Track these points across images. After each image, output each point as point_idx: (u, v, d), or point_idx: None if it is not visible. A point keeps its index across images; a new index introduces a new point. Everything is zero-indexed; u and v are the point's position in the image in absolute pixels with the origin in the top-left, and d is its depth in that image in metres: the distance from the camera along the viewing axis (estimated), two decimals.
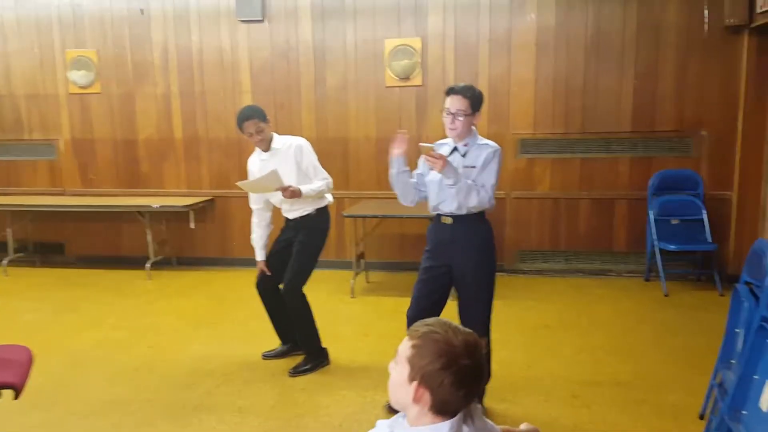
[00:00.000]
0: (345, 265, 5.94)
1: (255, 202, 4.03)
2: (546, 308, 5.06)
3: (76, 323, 4.92)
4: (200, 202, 6.38)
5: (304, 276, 3.91)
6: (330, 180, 3.92)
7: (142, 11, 6.39)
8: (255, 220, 4.06)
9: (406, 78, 6.03)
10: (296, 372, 3.88)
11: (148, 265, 6.28)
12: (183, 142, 6.54)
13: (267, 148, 3.89)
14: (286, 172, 3.80)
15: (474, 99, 3.10)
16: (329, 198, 4.07)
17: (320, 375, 3.89)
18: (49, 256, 6.97)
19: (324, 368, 3.97)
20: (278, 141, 3.90)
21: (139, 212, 6.35)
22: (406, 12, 5.96)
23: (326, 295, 5.50)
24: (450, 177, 3.01)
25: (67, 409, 3.47)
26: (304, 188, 3.75)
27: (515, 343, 4.33)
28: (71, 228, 6.88)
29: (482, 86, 5.84)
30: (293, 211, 3.94)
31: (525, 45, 5.82)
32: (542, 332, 4.53)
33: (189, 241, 6.68)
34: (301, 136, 6.28)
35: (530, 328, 4.61)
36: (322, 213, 3.99)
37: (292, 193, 3.68)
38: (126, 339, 4.54)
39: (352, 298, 5.44)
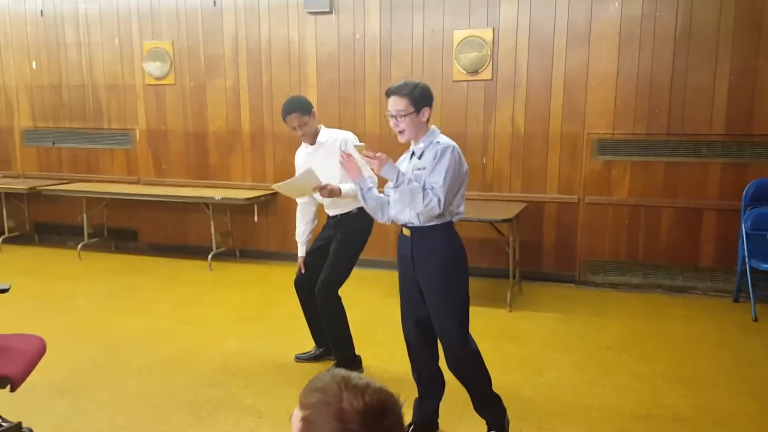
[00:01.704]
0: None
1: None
2: (611, 326, 4.59)
3: (126, 310, 4.98)
4: (262, 196, 6.34)
5: (339, 277, 3.72)
6: (375, 179, 3.70)
7: (214, 2, 6.43)
8: (299, 215, 3.92)
9: (475, 72, 5.70)
10: None
11: (210, 256, 6.33)
12: (250, 135, 6.53)
13: (312, 141, 3.72)
14: (330, 167, 3.62)
15: (414, 96, 2.80)
16: None
17: None
18: (122, 242, 7.19)
19: None
20: (324, 134, 3.72)
21: (205, 203, 6.41)
22: (478, 2, 5.63)
23: (375, 295, 5.30)
24: (392, 178, 2.74)
25: (92, 399, 3.46)
26: (345, 187, 3.55)
27: (567, 363, 3.93)
28: (144, 215, 7.07)
29: (556, 81, 5.49)
30: (334, 208, 3.76)
31: (606, 37, 5.33)
32: (601, 353, 4.09)
33: (252, 233, 6.67)
34: (365, 131, 6.25)
35: (588, 348, 4.18)
36: (363, 212, 3.70)
37: (330, 192, 3.50)
38: (168, 329, 4.54)
39: None
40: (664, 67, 5.21)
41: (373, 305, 5.09)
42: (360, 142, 3.74)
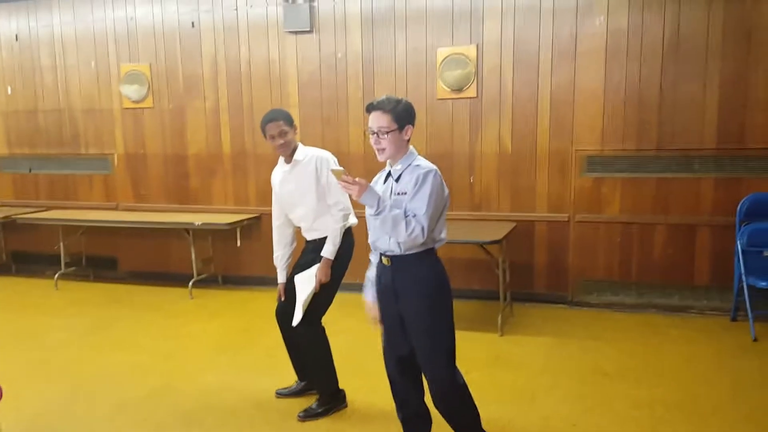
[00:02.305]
0: None
1: (276, 217, 3.71)
2: (607, 350, 4.41)
3: (102, 344, 4.76)
4: (245, 220, 6.16)
5: (320, 306, 3.54)
6: (346, 211, 3.52)
7: (192, 24, 6.28)
8: (276, 238, 3.74)
9: (459, 89, 5.57)
10: (306, 416, 3.49)
11: (190, 283, 6.12)
12: (231, 157, 6.36)
13: (289, 158, 3.55)
14: (304, 186, 3.48)
15: (397, 112, 2.64)
16: (352, 219, 3.67)
17: (332, 421, 3.48)
18: (102, 271, 6.97)
19: (339, 412, 3.56)
20: (301, 152, 3.55)
21: (185, 229, 6.21)
22: (461, 18, 5.51)
23: (359, 321, 4.96)
24: (372, 205, 2.56)
25: None
26: (328, 251, 3.46)
27: (563, 391, 3.74)
28: (123, 243, 6.86)
29: (543, 97, 5.35)
30: (312, 231, 3.59)
31: (592, 51, 5.22)
32: (597, 380, 3.91)
33: (235, 259, 6.47)
34: (348, 151, 6.09)
35: (584, 374, 4.00)
36: (345, 236, 3.59)
37: (324, 276, 3.45)
38: (146, 363, 4.32)
39: None
40: (652, 81, 5.10)
41: (358, 332, 4.86)
42: (338, 166, 3.59)
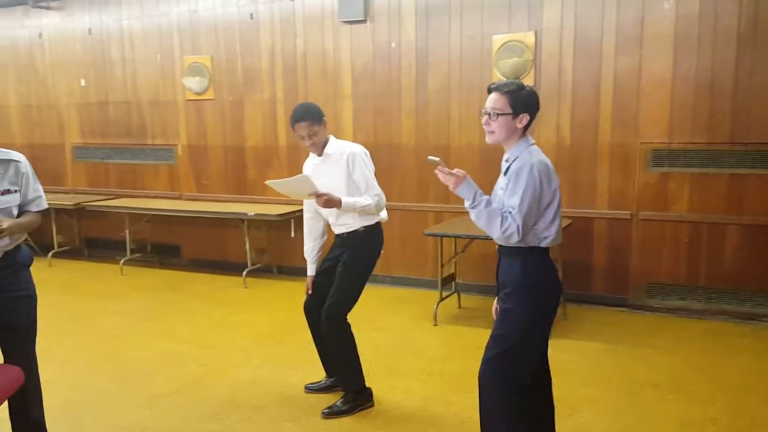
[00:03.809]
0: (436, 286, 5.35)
1: (307, 210, 3.65)
2: (662, 360, 4.09)
3: (150, 331, 4.89)
4: (298, 211, 6.14)
5: (346, 302, 3.45)
6: (382, 198, 3.41)
7: (251, 15, 6.33)
8: (306, 231, 3.68)
9: (516, 77, 5.30)
10: (330, 413, 3.42)
11: (244, 272, 6.20)
12: (286, 149, 6.38)
13: (320, 152, 3.48)
14: (334, 180, 3.38)
15: (516, 97, 2.45)
16: (383, 215, 3.56)
17: (357, 420, 3.39)
18: (166, 258, 7.19)
19: (365, 411, 3.47)
20: (332, 145, 3.47)
21: (240, 219, 6.30)
22: (518, 4, 5.25)
23: (406, 319, 5.00)
24: (468, 198, 2.41)
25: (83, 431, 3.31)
26: (346, 199, 3.28)
27: (605, 404, 3.49)
28: (186, 231, 7.04)
29: (605, 86, 5.04)
30: (339, 226, 3.50)
31: (660, 36, 4.84)
32: (645, 393, 3.62)
33: (289, 249, 6.50)
34: (400, 143, 5.97)
35: (632, 386, 3.72)
36: (372, 232, 3.49)
37: (327, 202, 3.24)
38: (184, 354, 4.39)
39: (434, 325, 4.86)
40: (726, 69, 4.66)
41: (399, 330, 4.79)
42: (370, 159, 3.49)
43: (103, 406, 3.60)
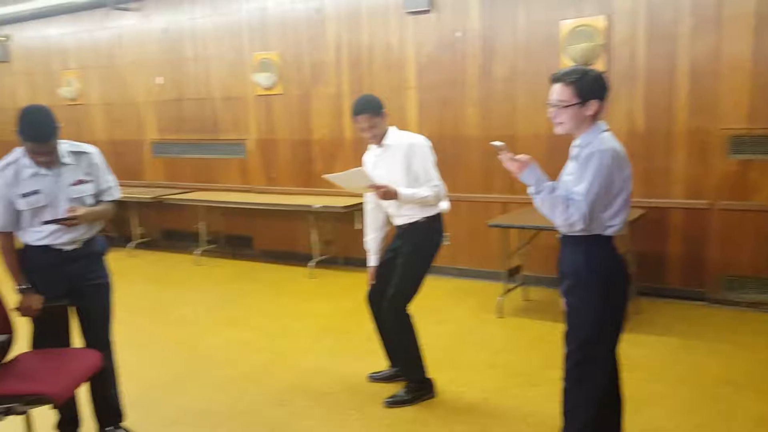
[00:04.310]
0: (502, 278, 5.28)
1: (368, 201, 3.68)
2: (740, 356, 3.89)
3: (222, 319, 5.06)
4: (362, 203, 6.19)
5: (407, 292, 3.46)
6: (440, 188, 3.40)
7: (318, 10, 6.41)
8: (368, 221, 3.71)
9: (586, 63, 5.14)
10: (393, 402, 3.45)
11: (311, 263, 6.32)
12: (352, 142, 6.44)
13: (379, 142, 3.50)
14: (394, 172, 3.40)
15: (581, 85, 2.37)
16: (443, 205, 3.54)
17: (417, 409, 3.40)
18: (239, 249, 7.41)
19: (426, 401, 3.47)
20: (392, 136, 3.48)
21: (307, 211, 6.42)
22: None
23: (469, 311, 4.95)
24: (531, 184, 2.36)
25: (159, 414, 3.46)
26: (404, 191, 3.29)
27: (677, 401, 3.35)
28: (257, 223, 7.23)
29: (681, 70, 4.83)
30: (399, 217, 3.51)
31: (740, 17, 4.58)
32: (720, 390, 3.45)
33: (354, 241, 6.55)
34: (466, 134, 5.91)
35: (706, 383, 3.56)
36: (432, 222, 3.48)
37: (385, 194, 3.26)
38: (253, 341, 4.52)
39: (499, 317, 4.80)
40: None
41: (462, 322, 4.76)
42: (431, 150, 3.47)
43: (177, 391, 3.76)
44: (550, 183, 2.37)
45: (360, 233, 6.35)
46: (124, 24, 7.72)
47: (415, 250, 3.46)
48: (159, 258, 7.45)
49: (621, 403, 2.65)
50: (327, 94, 6.51)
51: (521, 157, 2.37)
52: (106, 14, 7.74)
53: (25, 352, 2.90)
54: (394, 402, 3.45)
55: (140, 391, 3.65)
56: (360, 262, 6.44)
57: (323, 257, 6.50)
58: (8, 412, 2.49)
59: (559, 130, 2.47)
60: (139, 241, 7.71)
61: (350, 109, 3.52)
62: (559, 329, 2.67)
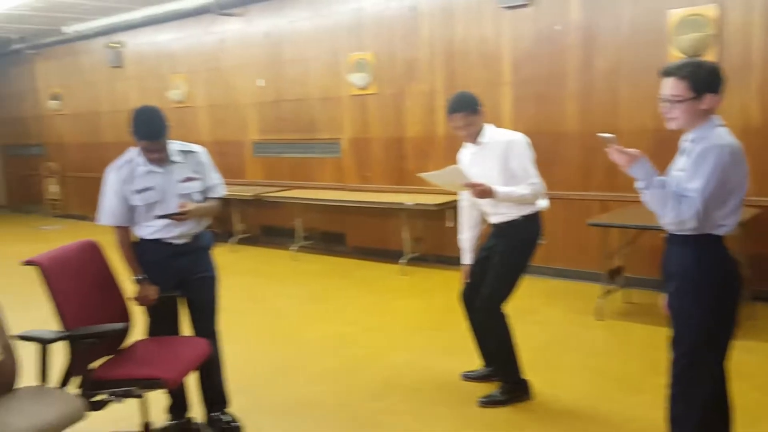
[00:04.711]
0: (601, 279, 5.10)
1: (463, 198, 3.66)
2: None
3: (317, 314, 5.19)
4: (454, 201, 6.16)
5: (502, 292, 3.40)
6: (539, 186, 3.32)
7: (412, 8, 6.44)
8: (462, 219, 3.69)
9: (696, 55, 4.87)
10: (488, 402, 3.41)
11: (403, 261, 6.36)
12: (444, 139, 6.42)
13: (475, 140, 3.47)
14: (490, 170, 3.35)
15: (696, 78, 2.25)
16: (542, 203, 3.47)
17: (512, 411, 3.35)
18: (333, 245, 7.58)
19: (522, 403, 3.41)
20: (488, 134, 3.44)
21: (399, 209, 6.46)
22: None
23: (567, 312, 4.82)
24: (641, 178, 2.26)
25: (261, 404, 3.58)
26: (501, 189, 3.24)
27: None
28: (350, 220, 7.36)
29: None
30: (496, 215, 3.46)
31: None
32: None
33: (447, 239, 6.54)
34: (565, 130, 5.74)
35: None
36: (530, 220, 3.41)
37: (482, 193, 3.22)
38: (348, 336, 4.60)
39: (598, 320, 4.63)
40: None
41: (559, 323, 4.64)
42: (530, 146, 3.40)
43: (278, 381, 3.89)
44: (660, 178, 2.27)
45: (451, 231, 6.34)
46: (228, 29, 8.06)
47: (511, 249, 3.40)
48: (258, 253, 7.74)
49: (730, 413, 2.49)
50: (420, 92, 6.53)
51: (631, 150, 2.28)
52: (212, 20, 8.11)
53: (141, 340, 3.09)
54: (488, 402, 3.41)
55: (244, 380, 3.80)
56: (451, 260, 6.44)
57: (414, 254, 6.52)
58: (126, 395, 2.66)
59: (672, 125, 2.36)
60: (241, 236, 8.04)
61: (444, 107, 3.51)
62: (664, 334, 2.55)
